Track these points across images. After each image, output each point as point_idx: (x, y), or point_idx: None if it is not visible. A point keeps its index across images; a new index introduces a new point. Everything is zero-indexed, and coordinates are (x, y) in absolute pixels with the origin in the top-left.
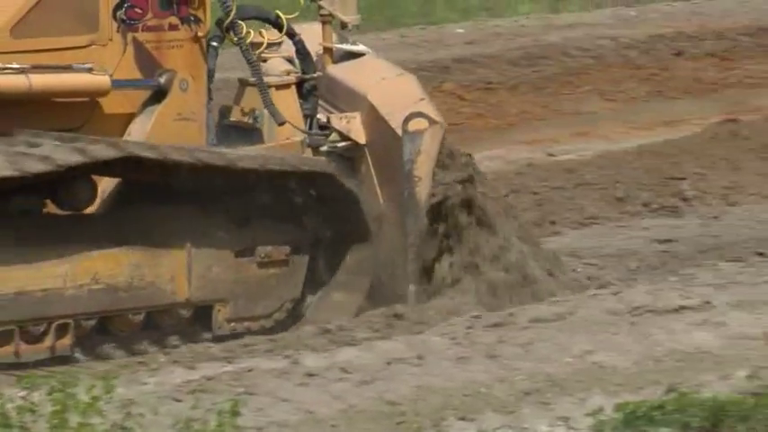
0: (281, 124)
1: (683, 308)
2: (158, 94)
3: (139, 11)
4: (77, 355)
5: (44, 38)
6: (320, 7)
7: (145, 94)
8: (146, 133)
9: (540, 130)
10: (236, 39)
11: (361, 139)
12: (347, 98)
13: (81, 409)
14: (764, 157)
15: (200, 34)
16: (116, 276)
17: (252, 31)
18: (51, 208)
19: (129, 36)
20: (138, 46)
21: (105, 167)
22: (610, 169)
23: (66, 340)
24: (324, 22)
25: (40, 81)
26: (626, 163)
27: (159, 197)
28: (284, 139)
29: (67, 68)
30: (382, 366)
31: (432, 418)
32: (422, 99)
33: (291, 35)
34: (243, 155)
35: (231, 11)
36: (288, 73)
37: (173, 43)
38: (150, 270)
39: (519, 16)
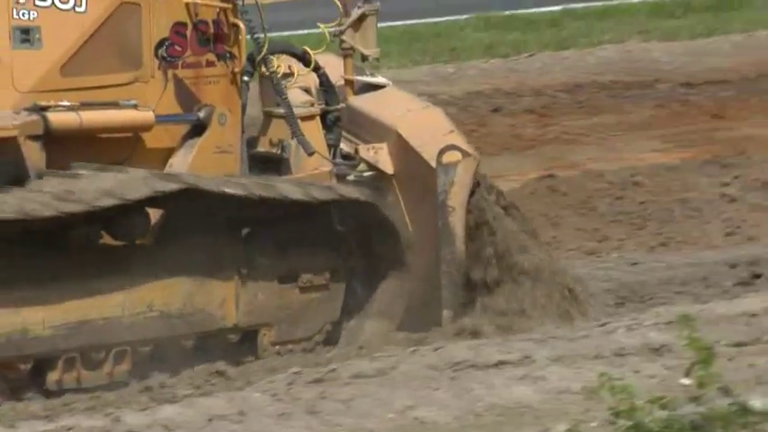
0: (311, 154)
1: (502, 363)
2: (198, 128)
3: (179, 48)
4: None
5: (91, 76)
6: (342, 41)
7: (184, 129)
8: (187, 165)
9: None
10: (267, 72)
11: (389, 170)
12: (372, 129)
13: None
14: (582, 213)
15: (235, 70)
16: (170, 304)
17: (282, 65)
18: (106, 239)
19: (170, 73)
20: (178, 82)
21: (164, 199)
22: None
23: (124, 366)
24: (345, 56)
25: (90, 117)
26: None
27: (207, 227)
28: (312, 170)
29: (114, 105)
30: (203, 423)
31: None
32: (451, 131)
33: (316, 68)
34: (297, 187)
35: (264, 46)
36: (312, 104)
37: (210, 79)
38: (201, 298)
39: None
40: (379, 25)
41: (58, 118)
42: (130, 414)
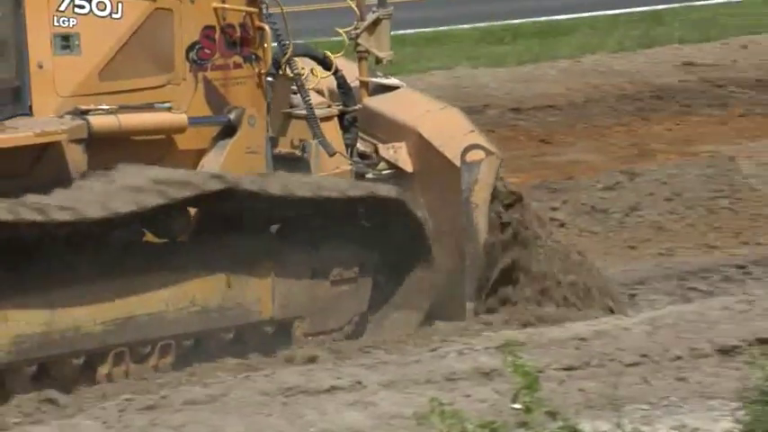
0: (333, 155)
1: (334, 388)
2: (228, 130)
3: (208, 51)
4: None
5: (127, 80)
6: (357, 44)
7: (215, 130)
8: (219, 166)
9: None
10: (292, 74)
11: (408, 168)
12: (390, 129)
13: None
14: None
15: (261, 71)
16: (210, 299)
17: (305, 68)
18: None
19: (200, 75)
20: (208, 84)
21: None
22: None
23: (168, 359)
24: (360, 58)
25: (128, 120)
26: None
27: (244, 225)
28: (332, 169)
29: (150, 108)
30: None
31: None
32: (472, 131)
33: (334, 71)
34: (331, 184)
35: (289, 48)
36: (328, 105)
37: (237, 80)
38: (239, 292)
39: None
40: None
41: (99, 121)
42: None
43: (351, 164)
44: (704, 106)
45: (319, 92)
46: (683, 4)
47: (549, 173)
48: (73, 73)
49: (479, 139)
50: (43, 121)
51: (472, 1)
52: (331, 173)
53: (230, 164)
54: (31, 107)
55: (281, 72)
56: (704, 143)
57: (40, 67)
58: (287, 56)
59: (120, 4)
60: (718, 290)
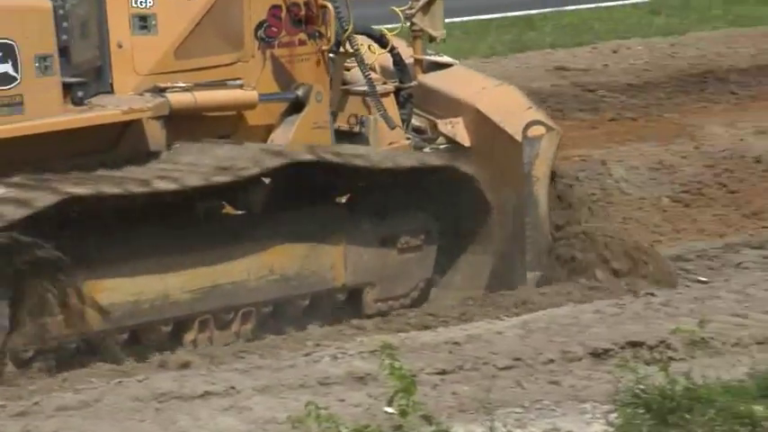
0: (393, 128)
1: (208, 393)
2: (296, 106)
3: (275, 29)
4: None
5: (200, 58)
6: (412, 24)
7: (283, 106)
8: (288, 140)
9: None
10: (352, 50)
11: (466, 142)
12: (446, 105)
13: None
14: None
15: (324, 48)
16: (288, 268)
17: (365, 44)
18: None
19: (268, 52)
20: (275, 61)
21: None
22: None
23: (249, 325)
24: (415, 37)
25: (202, 97)
26: None
27: (318, 196)
28: (390, 143)
29: (222, 85)
30: None
31: None
32: (530, 107)
33: (391, 49)
34: (408, 155)
35: (349, 26)
36: (384, 82)
37: (302, 57)
38: (314, 261)
39: None
40: None
41: (177, 98)
42: None
43: (408, 138)
44: (576, 110)
45: (372, 69)
46: (554, 9)
47: None
48: (150, 52)
49: (539, 115)
50: (127, 99)
51: None
52: (388, 147)
53: (299, 139)
54: (111, 85)
55: (341, 49)
56: (576, 147)
57: (120, 46)
58: (347, 32)
59: None
60: None
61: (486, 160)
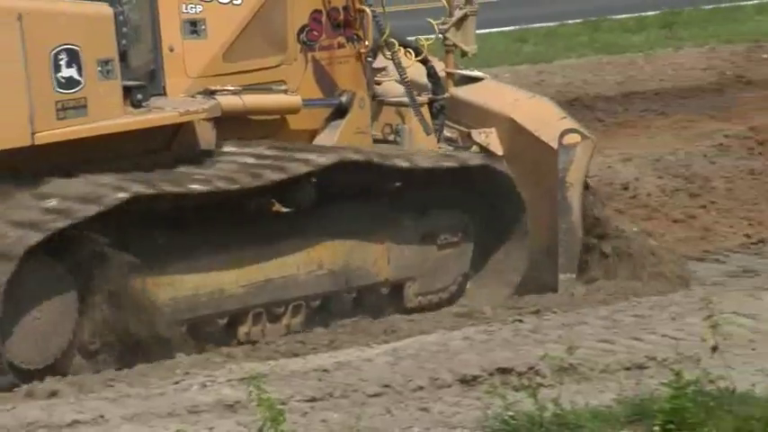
0: (430, 134)
1: (76, 422)
2: (339, 112)
3: (316, 33)
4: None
5: (246, 61)
6: (445, 38)
7: (326, 112)
8: (332, 145)
9: None
10: (389, 55)
11: (499, 151)
12: (478, 116)
13: None
14: None
15: (361, 51)
16: (335, 263)
17: (403, 50)
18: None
19: (309, 55)
20: (316, 63)
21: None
22: None
23: (299, 319)
24: (447, 51)
25: (250, 100)
26: None
27: (363, 195)
28: None
29: (268, 90)
30: None
31: None
32: (564, 117)
33: (425, 61)
34: (448, 156)
35: (386, 30)
36: (418, 93)
37: (341, 59)
38: (359, 256)
39: None
40: None
41: (227, 101)
42: None
43: (440, 147)
44: None
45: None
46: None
47: None
48: (200, 55)
49: (573, 124)
50: (182, 102)
51: None
52: None
53: (342, 143)
54: (164, 88)
55: (379, 54)
56: None
57: (171, 50)
58: (385, 36)
59: None
60: None
61: (519, 168)
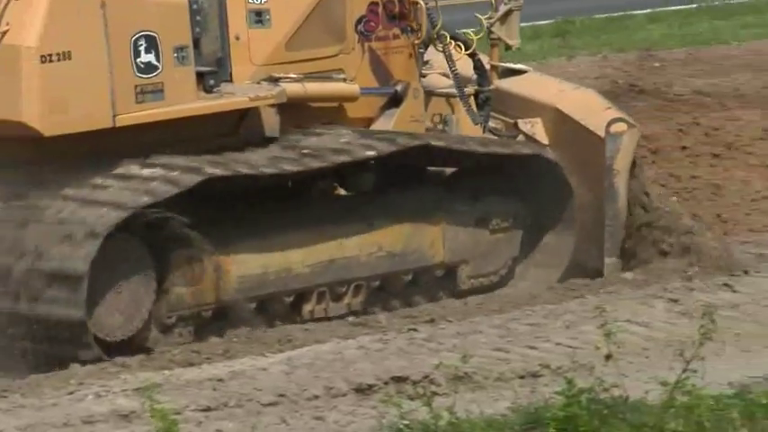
0: (477, 124)
1: None
2: (394, 101)
3: (373, 24)
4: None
5: (307, 50)
6: (490, 32)
7: (381, 101)
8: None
9: None
10: (440, 47)
11: (544, 140)
12: (523, 107)
13: None
14: None
15: (415, 42)
16: (394, 245)
17: (453, 42)
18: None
19: (366, 45)
20: (372, 53)
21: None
22: None
23: (360, 298)
24: (492, 45)
25: (311, 88)
26: None
27: (421, 180)
28: None
29: (328, 78)
30: None
31: None
32: (609, 107)
33: (473, 54)
34: (503, 144)
35: (438, 22)
36: (465, 85)
37: (395, 50)
38: (417, 239)
39: None
40: None
41: (291, 88)
42: None
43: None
44: None
45: (444, 74)
46: None
47: None
48: (264, 44)
49: (619, 113)
50: (251, 88)
51: None
52: None
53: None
54: (230, 74)
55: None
56: None
57: (238, 38)
58: (437, 28)
59: None
60: None
61: (564, 156)
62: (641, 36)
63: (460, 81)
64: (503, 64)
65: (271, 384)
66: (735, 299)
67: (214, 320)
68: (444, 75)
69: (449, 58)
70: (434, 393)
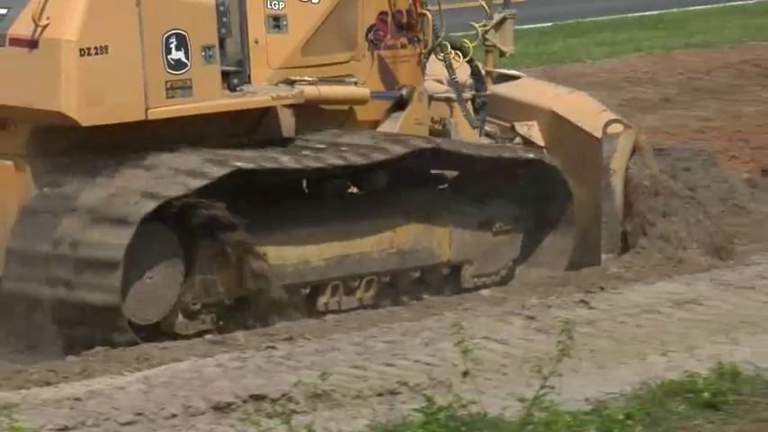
0: (476, 127)
1: None
2: (399, 104)
3: (382, 33)
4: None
5: (321, 55)
6: (485, 39)
7: (387, 104)
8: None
9: None
10: (441, 56)
11: (540, 142)
12: (519, 110)
13: None
14: None
15: (421, 52)
16: (404, 243)
17: (453, 51)
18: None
19: (375, 53)
20: (381, 61)
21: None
22: None
23: (371, 293)
24: (487, 51)
25: (325, 90)
26: None
27: (426, 182)
28: None
29: (341, 82)
30: None
31: None
32: (604, 110)
33: (470, 60)
34: (506, 148)
35: (441, 33)
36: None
37: (402, 59)
38: (425, 238)
39: None
40: None
41: (308, 90)
42: None
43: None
44: None
45: (439, 81)
46: None
47: None
48: (281, 48)
49: (614, 115)
50: (270, 88)
51: None
52: None
53: (403, 132)
54: (249, 77)
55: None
56: None
57: (256, 42)
58: (440, 39)
59: None
60: None
61: (561, 157)
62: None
63: (459, 87)
64: (497, 70)
65: (128, 403)
66: (591, 315)
67: (235, 309)
68: (438, 81)
69: (449, 67)
70: (293, 411)
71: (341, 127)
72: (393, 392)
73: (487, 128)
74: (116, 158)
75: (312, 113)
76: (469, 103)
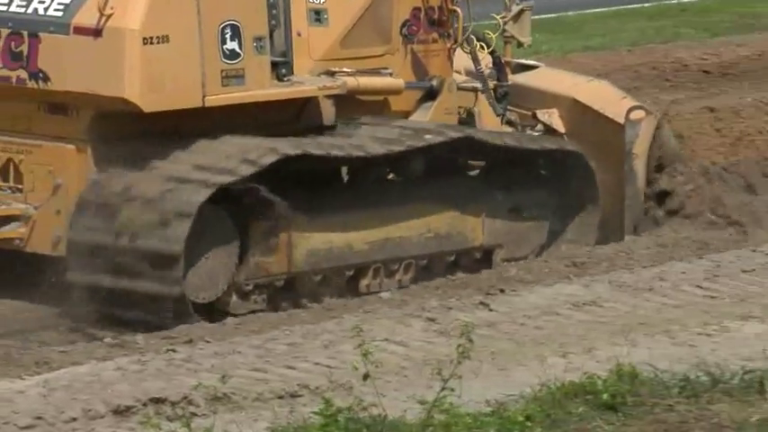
0: (499, 115)
1: None
2: (430, 94)
3: (415, 28)
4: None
5: (359, 48)
6: (504, 30)
7: (418, 95)
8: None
9: None
10: (468, 49)
11: (561, 129)
12: (540, 99)
13: None
14: None
15: (451, 46)
16: (441, 228)
17: (479, 44)
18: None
19: (408, 47)
20: (413, 54)
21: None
22: None
23: (409, 275)
24: (506, 42)
25: (363, 81)
26: None
27: (460, 170)
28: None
29: (377, 73)
30: None
31: None
32: (625, 97)
33: (493, 52)
34: (535, 139)
35: (469, 27)
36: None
37: (433, 53)
38: (460, 223)
39: None
40: None
41: (348, 81)
42: None
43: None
44: None
45: (457, 71)
46: None
47: None
48: (322, 41)
49: (635, 102)
50: (314, 78)
51: None
52: None
53: (434, 121)
54: (292, 68)
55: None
56: None
57: (299, 35)
58: (467, 33)
59: None
60: None
61: (583, 143)
62: None
63: (486, 79)
64: (516, 60)
65: (28, 407)
66: (491, 317)
67: (284, 290)
68: (456, 72)
69: (475, 60)
70: (193, 414)
71: (377, 116)
72: (294, 395)
73: (509, 116)
74: (170, 146)
75: (349, 103)
76: (491, 92)
